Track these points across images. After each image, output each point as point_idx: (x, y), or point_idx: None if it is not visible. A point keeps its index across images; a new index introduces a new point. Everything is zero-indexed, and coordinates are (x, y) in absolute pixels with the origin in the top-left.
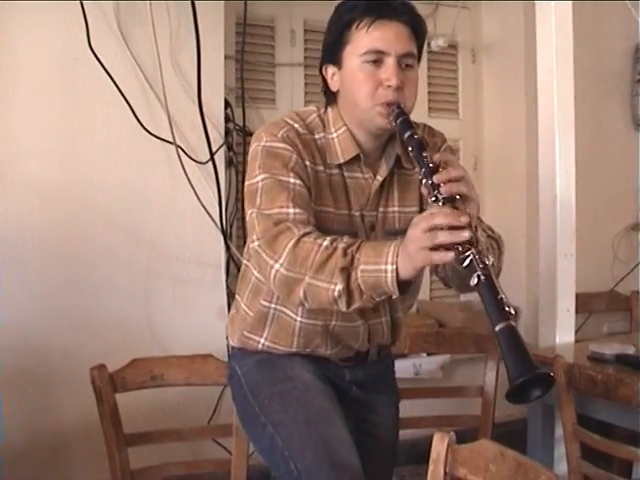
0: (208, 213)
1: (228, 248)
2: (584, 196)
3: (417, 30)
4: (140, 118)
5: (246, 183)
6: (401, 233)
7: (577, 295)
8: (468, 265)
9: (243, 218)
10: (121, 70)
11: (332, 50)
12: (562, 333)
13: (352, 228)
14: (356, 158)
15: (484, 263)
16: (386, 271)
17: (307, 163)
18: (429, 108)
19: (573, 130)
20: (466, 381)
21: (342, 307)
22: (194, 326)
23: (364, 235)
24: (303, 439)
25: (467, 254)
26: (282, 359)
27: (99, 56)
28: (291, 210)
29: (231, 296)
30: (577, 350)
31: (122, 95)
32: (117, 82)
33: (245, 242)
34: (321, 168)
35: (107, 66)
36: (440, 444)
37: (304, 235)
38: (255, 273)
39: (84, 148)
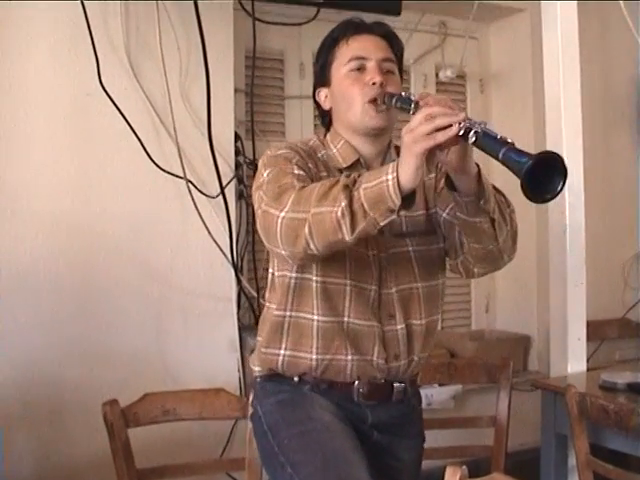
0: (219, 246)
1: (239, 281)
2: (593, 223)
3: (392, 43)
4: (150, 152)
5: (254, 185)
6: (408, 236)
7: (588, 322)
8: (464, 133)
9: (254, 251)
10: (132, 105)
11: (322, 72)
12: (574, 362)
13: None
14: (357, 165)
15: (478, 123)
16: (387, 180)
17: (310, 166)
18: None
19: (581, 158)
20: (478, 411)
21: (346, 232)
22: (206, 359)
23: (373, 239)
24: None
25: (461, 125)
26: (303, 400)
27: (110, 91)
28: (296, 183)
29: (243, 329)
30: (589, 379)
31: (132, 130)
32: (128, 117)
33: (256, 275)
34: (324, 174)
35: (118, 101)
36: (452, 478)
37: (308, 185)
38: (268, 304)
39: (95, 182)
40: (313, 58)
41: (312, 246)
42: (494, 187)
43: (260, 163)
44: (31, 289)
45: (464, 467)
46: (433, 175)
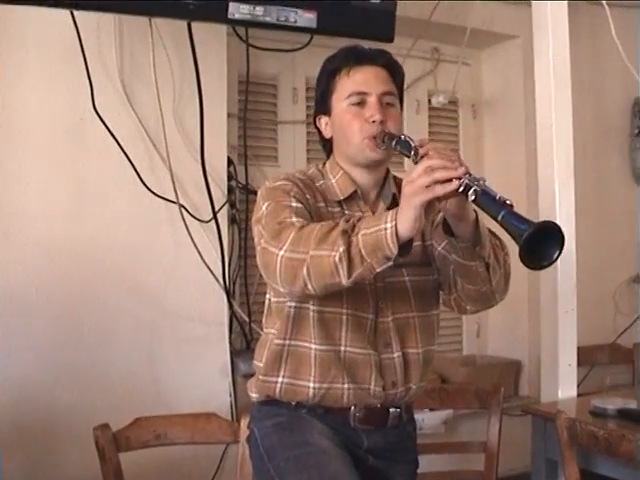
0: (211, 271)
1: (231, 306)
2: (585, 249)
3: (394, 72)
4: (143, 177)
5: (253, 218)
6: (405, 266)
7: (579, 348)
8: (464, 189)
9: (246, 276)
10: (125, 129)
11: (322, 100)
12: (564, 388)
13: None
14: (355, 196)
15: (477, 181)
16: (385, 229)
17: (308, 197)
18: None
19: (573, 184)
20: (469, 436)
21: (343, 276)
22: (197, 383)
23: None
24: None
25: (462, 181)
26: (300, 423)
27: (103, 116)
28: (294, 219)
29: (234, 354)
30: (579, 405)
31: (125, 155)
32: (121, 142)
33: (248, 300)
34: (322, 204)
35: (111, 126)
36: None
37: (308, 224)
38: (265, 330)
39: (88, 207)
40: (306, 83)
41: (309, 287)
42: (490, 231)
43: (259, 195)
44: (24, 313)
45: None
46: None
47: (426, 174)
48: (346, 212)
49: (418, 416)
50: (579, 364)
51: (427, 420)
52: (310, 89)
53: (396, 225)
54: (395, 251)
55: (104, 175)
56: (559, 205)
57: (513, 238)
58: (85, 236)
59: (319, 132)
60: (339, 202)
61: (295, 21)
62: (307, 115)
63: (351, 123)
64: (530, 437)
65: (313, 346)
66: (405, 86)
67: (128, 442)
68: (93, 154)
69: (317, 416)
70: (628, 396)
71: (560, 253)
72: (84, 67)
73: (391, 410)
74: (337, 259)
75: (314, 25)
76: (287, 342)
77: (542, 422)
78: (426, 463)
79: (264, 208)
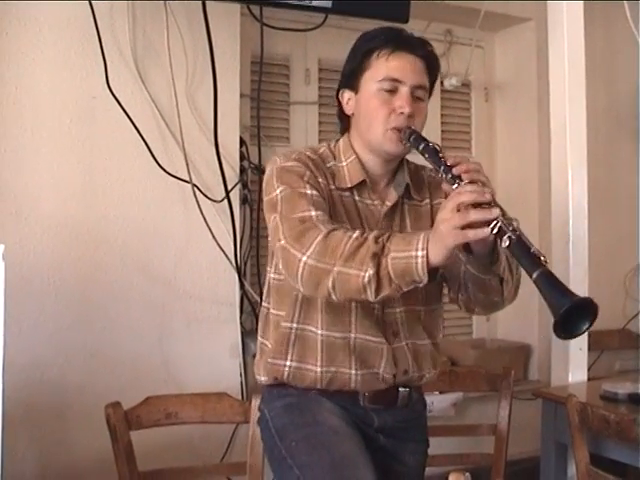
0: (223, 251)
1: (242, 286)
2: (596, 234)
3: (431, 65)
4: (157, 156)
5: (265, 199)
6: None
7: (589, 333)
8: (498, 232)
9: (258, 256)
10: (138, 109)
11: (351, 76)
12: (575, 372)
13: None
14: (364, 184)
15: (512, 225)
16: (416, 257)
17: (320, 180)
18: (442, 146)
19: (585, 169)
20: (479, 419)
21: (370, 295)
22: (208, 363)
23: None
24: None
25: (495, 223)
26: (310, 403)
27: (117, 95)
28: (313, 212)
29: (245, 334)
30: (590, 389)
31: (139, 133)
32: (134, 121)
33: (259, 280)
34: (333, 188)
35: (124, 105)
36: None
37: (333, 229)
38: (265, 304)
39: (101, 186)
40: (319, 64)
41: (334, 297)
42: None
43: (269, 171)
44: (35, 293)
45: (467, 474)
46: (437, 202)
47: (460, 215)
48: (356, 198)
49: (428, 399)
50: (589, 349)
51: (437, 403)
52: (323, 70)
53: (427, 255)
54: (425, 279)
55: (116, 154)
56: (572, 191)
57: (549, 306)
58: (97, 216)
59: (339, 105)
60: (349, 189)
61: (310, 1)
62: (319, 96)
63: (378, 109)
64: (540, 421)
65: (319, 331)
66: None
67: (139, 421)
68: (106, 133)
69: (327, 396)
70: (638, 381)
71: (590, 326)
72: (98, 46)
73: (401, 389)
74: (366, 281)
75: (329, 5)
76: (295, 326)
77: (552, 406)
78: (436, 445)
79: (278, 192)
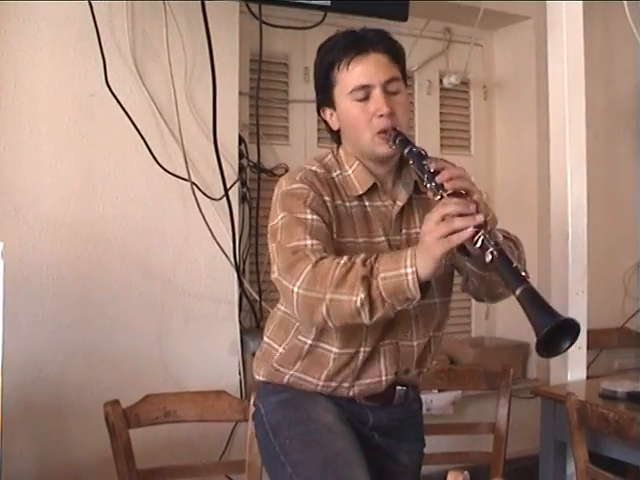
0: (222, 249)
1: (241, 284)
2: (595, 232)
3: (395, 56)
4: (155, 154)
5: (269, 225)
6: None
7: (588, 331)
8: (481, 246)
9: (257, 254)
10: (137, 106)
11: (323, 93)
12: (574, 370)
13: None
14: (374, 188)
15: (495, 241)
16: (406, 274)
17: (326, 199)
18: (441, 145)
19: (585, 167)
20: (477, 417)
21: (365, 318)
22: (207, 361)
23: None
24: None
25: (478, 235)
26: (305, 400)
27: (115, 92)
28: (308, 242)
29: (244, 332)
30: (589, 387)
31: (138, 131)
32: (133, 118)
33: (258, 278)
34: (339, 202)
35: (123, 102)
36: None
37: (321, 258)
38: (282, 308)
39: (99, 184)
40: None
41: (330, 323)
42: (504, 234)
43: (275, 197)
44: (33, 291)
45: (466, 472)
46: (438, 198)
47: (444, 224)
48: (366, 204)
49: (426, 397)
50: (588, 347)
51: (435, 401)
52: None
53: (417, 271)
54: (417, 296)
55: (115, 152)
56: (571, 189)
57: (531, 324)
58: (95, 213)
59: (325, 123)
60: (359, 196)
61: None
62: None
63: (358, 119)
64: (539, 419)
65: (334, 350)
66: (416, 66)
67: (138, 419)
68: (104, 131)
69: (322, 394)
70: (637, 379)
71: (570, 345)
72: (96, 43)
73: (397, 388)
74: (359, 305)
75: (328, 3)
76: (311, 342)
77: (551, 404)
78: (434, 444)
79: (279, 219)
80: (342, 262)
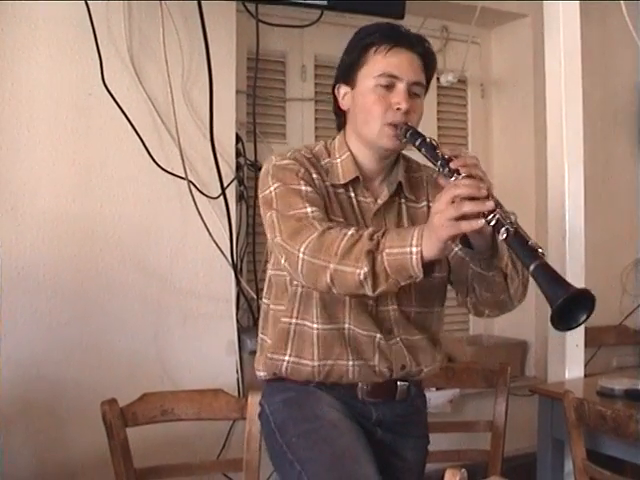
0: (219, 248)
1: (238, 282)
2: (593, 230)
3: (428, 63)
4: (152, 153)
5: (260, 195)
6: None
7: (586, 329)
8: (495, 224)
9: (254, 252)
10: (134, 105)
11: (348, 70)
12: (571, 368)
13: None
14: (357, 181)
15: (509, 218)
16: (411, 253)
17: (314, 176)
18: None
19: (582, 165)
20: (475, 416)
21: (368, 290)
22: (204, 360)
23: None
24: (329, 477)
25: (493, 215)
26: (309, 398)
27: (112, 91)
28: (308, 209)
29: (242, 330)
30: (586, 385)
31: (135, 130)
32: (130, 117)
33: (255, 276)
34: (328, 184)
35: (120, 101)
36: None
37: (329, 228)
38: (265, 301)
39: (96, 182)
40: (315, 61)
41: (334, 291)
42: None
43: (264, 170)
44: (31, 290)
45: (463, 470)
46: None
47: (454, 206)
48: (351, 195)
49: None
50: (586, 345)
51: (434, 399)
52: (319, 67)
53: (422, 251)
54: (420, 275)
55: (112, 151)
56: (568, 186)
57: (546, 297)
58: (93, 212)
59: (335, 100)
60: (344, 185)
61: None
62: (316, 93)
63: (375, 105)
64: (536, 417)
65: (315, 326)
66: None
67: (135, 417)
68: (101, 129)
69: (326, 389)
70: (635, 377)
71: (587, 318)
72: (93, 42)
73: (399, 384)
74: (362, 277)
75: (325, 2)
76: (294, 321)
77: (549, 402)
78: (432, 442)
79: (272, 189)
80: (350, 233)
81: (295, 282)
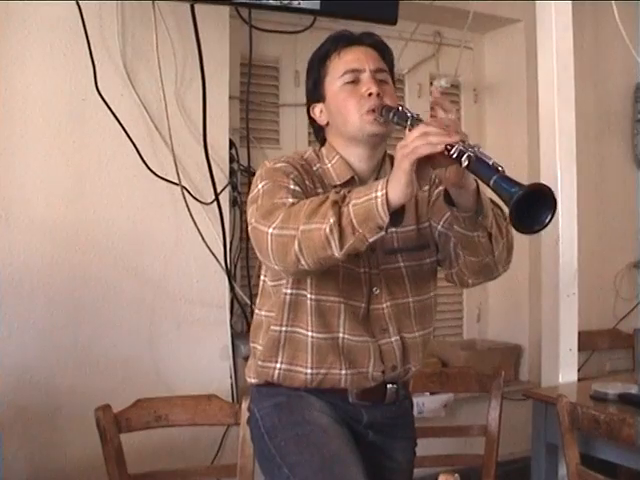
0: (212, 253)
1: (232, 288)
2: (586, 234)
3: (383, 50)
4: (145, 159)
5: (249, 197)
6: (400, 252)
7: (579, 333)
8: (457, 155)
9: (247, 258)
10: (127, 111)
11: (315, 89)
12: (565, 372)
13: None
14: (351, 182)
15: (472, 147)
16: (376, 197)
17: (307, 182)
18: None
19: (575, 169)
20: (469, 420)
21: (335, 249)
22: (198, 366)
23: (365, 256)
24: None
25: (455, 148)
26: (300, 403)
27: (105, 97)
28: (290, 200)
29: (235, 336)
30: (580, 389)
31: (128, 136)
32: (123, 123)
33: (249, 282)
34: (320, 190)
35: (113, 107)
36: None
37: (298, 200)
38: (257, 312)
39: (90, 188)
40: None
41: (302, 262)
42: (491, 201)
43: (257, 175)
44: (25, 295)
45: (457, 475)
46: (427, 188)
47: (419, 138)
48: None
49: (418, 399)
50: (579, 349)
51: (427, 404)
52: None
53: (387, 193)
54: (386, 219)
55: (105, 156)
56: (561, 190)
57: (504, 202)
58: (86, 218)
59: (313, 122)
60: (336, 187)
61: (299, 3)
62: None
63: (347, 101)
64: (530, 421)
65: (310, 334)
66: (407, 70)
67: (129, 423)
68: (95, 135)
69: (316, 393)
70: (628, 381)
71: (552, 217)
72: (86, 48)
73: (388, 386)
74: (328, 231)
75: (317, 7)
76: (284, 328)
77: (543, 406)
78: (426, 446)
79: (260, 187)
80: (316, 197)
81: (284, 289)
